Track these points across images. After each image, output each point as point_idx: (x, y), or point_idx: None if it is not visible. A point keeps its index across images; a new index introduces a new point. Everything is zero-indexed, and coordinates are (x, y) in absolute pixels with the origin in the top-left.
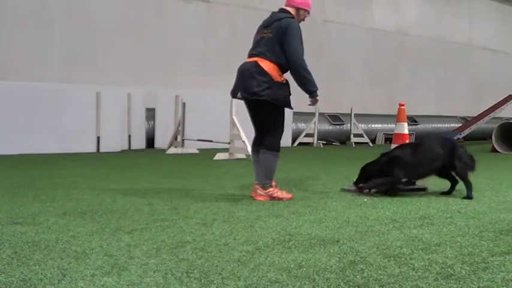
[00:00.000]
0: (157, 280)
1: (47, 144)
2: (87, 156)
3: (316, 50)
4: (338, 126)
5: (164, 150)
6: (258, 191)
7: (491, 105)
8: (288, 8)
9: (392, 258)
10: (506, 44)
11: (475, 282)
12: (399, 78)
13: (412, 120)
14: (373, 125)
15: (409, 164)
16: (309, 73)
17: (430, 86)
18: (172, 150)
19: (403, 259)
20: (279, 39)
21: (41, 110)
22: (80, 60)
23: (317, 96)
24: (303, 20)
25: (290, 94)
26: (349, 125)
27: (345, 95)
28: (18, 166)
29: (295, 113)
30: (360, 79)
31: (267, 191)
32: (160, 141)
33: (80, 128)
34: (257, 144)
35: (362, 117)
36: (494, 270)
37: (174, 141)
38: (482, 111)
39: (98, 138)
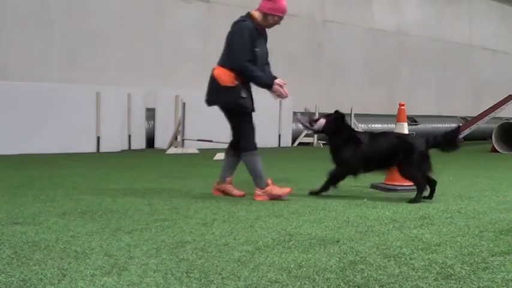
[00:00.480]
0: (157, 280)
1: (47, 144)
2: (87, 156)
3: (316, 50)
4: None
5: (164, 150)
6: (257, 191)
7: (491, 105)
8: (254, 12)
9: (392, 258)
10: (506, 44)
11: (475, 282)
12: (399, 78)
13: (412, 120)
14: (373, 125)
15: (362, 153)
16: (252, 71)
17: (430, 86)
18: (172, 150)
19: (403, 259)
20: (227, 44)
21: (41, 110)
22: (80, 60)
23: (275, 85)
24: (274, 24)
25: (241, 96)
26: None
27: (345, 95)
28: (18, 166)
29: (295, 113)
30: (360, 79)
31: (264, 190)
32: (160, 141)
33: (80, 128)
34: (231, 146)
35: (362, 117)
36: (494, 270)
37: (174, 141)
38: (482, 111)
39: (98, 138)
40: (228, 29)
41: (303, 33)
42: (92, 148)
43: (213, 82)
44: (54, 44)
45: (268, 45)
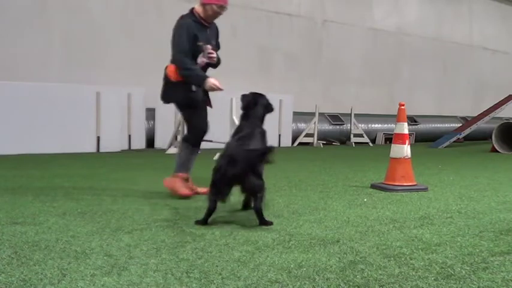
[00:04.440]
0: (157, 280)
1: (47, 144)
2: (87, 156)
3: (316, 50)
4: (338, 126)
5: (164, 150)
6: (171, 176)
7: (491, 105)
8: (196, 7)
9: (392, 258)
10: (506, 44)
11: (475, 282)
12: (399, 78)
13: (412, 120)
14: (373, 125)
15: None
16: (187, 68)
17: (430, 86)
18: (172, 150)
19: (403, 259)
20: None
21: (41, 110)
22: (80, 60)
23: (211, 82)
24: (215, 14)
25: (191, 90)
26: (349, 125)
27: (345, 95)
28: (18, 166)
29: (295, 113)
30: (360, 79)
31: (175, 177)
32: (160, 141)
33: (80, 128)
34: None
35: (362, 117)
36: (494, 270)
37: (174, 141)
38: (482, 111)
39: (98, 138)
40: (228, 29)
41: (303, 33)
42: (92, 148)
43: (165, 79)
44: (55, 44)
45: (267, 45)
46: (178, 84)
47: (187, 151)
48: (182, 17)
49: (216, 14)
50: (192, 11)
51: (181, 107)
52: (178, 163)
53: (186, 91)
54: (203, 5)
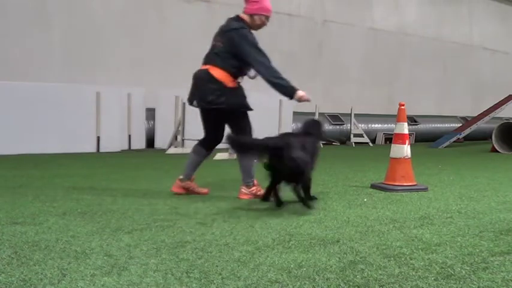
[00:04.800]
0: (157, 280)
1: (47, 144)
2: (87, 156)
3: (316, 50)
4: (338, 126)
5: (164, 150)
6: (243, 190)
7: (491, 105)
8: (243, 15)
9: (392, 258)
10: (506, 44)
11: (475, 282)
12: (399, 78)
13: (412, 120)
14: (373, 125)
15: None
16: (280, 78)
17: (430, 86)
18: (172, 150)
19: (403, 259)
20: (231, 51)
21: (41, 110)
22: (80, 60)
23: (300, 95)
24: (262, 24)
25: (245, 96)
26: (349, 125)
27: (345, 95)
28: (18, 166)
29: (295, 113)
30: (360, 79)
31: (251, 189)
32: (160, 141)
33: (80, 128)
34: (203, 146)
35: (362, 117)
36: (494, 270)
37: (174, 141)
38: (482, 111)
39: (98, 138)
40: None
41: (303, 33)
42: (92, 148)
43: (214, 83)
44: (55, 43)
45: (267, 45)
46: (235, 90)
47: (247, 158)
48: (242, 28)
49: (262, 25)
50: (240, 19)
51: (231, 113)
52: (246, 173)
53: (243, 97)
54: (252, 15)
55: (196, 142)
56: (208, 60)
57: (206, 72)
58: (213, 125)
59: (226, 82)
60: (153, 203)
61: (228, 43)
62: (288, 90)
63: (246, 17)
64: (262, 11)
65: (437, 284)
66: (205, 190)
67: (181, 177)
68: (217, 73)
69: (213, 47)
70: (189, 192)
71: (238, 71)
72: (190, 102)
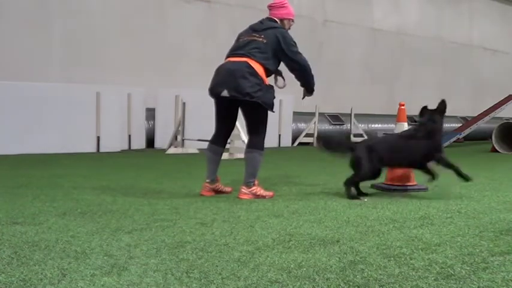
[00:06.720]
0: (157, 280)
1: (47, 144)
2: (87, 156)
3: (316, 50)
4: (338, 126)
5: (164, 150)
6: (243, 189)
7: (491, 105)
8: (274, 18)
9: (392, 258)
10: (506, 44)
11: (475, 282)
12: (399, 78)
13: (412, 120)
14: (373, 125)
15: None
16: (313, 76)
17: (430, 86)
18: (172, 150)
19: (403, 259)
20: (274, 48)
21: (41, 110)
22: (80, 60)
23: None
24: (289, 29)
25: (274, 96)
26: (349, 125)
27: (345, 95)
28: (18, 166)
29: (295, 113)
30: (360, 79)
31: (251, 189)
32: (160, 141)
33: (80, 128)
34: (217, 143)
35: (362, 117)
36: (494, 270)
37: (174, 141)
38: (482, 111)
39: (98, 138)
40: (228, 29)
41: (303, 33)
42: (92, 148)
43: (255, 77)
44: (55, 43)
45: None
46: (270, 88)
47: (260, 158)
48: (282, 28)
49: (289, 29)
50: (275, 21)
51: (257, 108)
52: (251, 172)
53: (272, 97)
54: (282, 20)
55: (195, 142)
56: (244, 53)
57: (246, 64)
58: (231, 117)
59: (264, 78)
60: (153, 203)
61: (273, 39)
62: (313, 89)
63: (277, 21)
64: (290, 15)
65: (437, 284)
66: (229, 189)
67: (208, 180)
68: (258, 68)
69: (251, 42)
70: (217, 193)
71: (271, 72)
72: (218, 92)
